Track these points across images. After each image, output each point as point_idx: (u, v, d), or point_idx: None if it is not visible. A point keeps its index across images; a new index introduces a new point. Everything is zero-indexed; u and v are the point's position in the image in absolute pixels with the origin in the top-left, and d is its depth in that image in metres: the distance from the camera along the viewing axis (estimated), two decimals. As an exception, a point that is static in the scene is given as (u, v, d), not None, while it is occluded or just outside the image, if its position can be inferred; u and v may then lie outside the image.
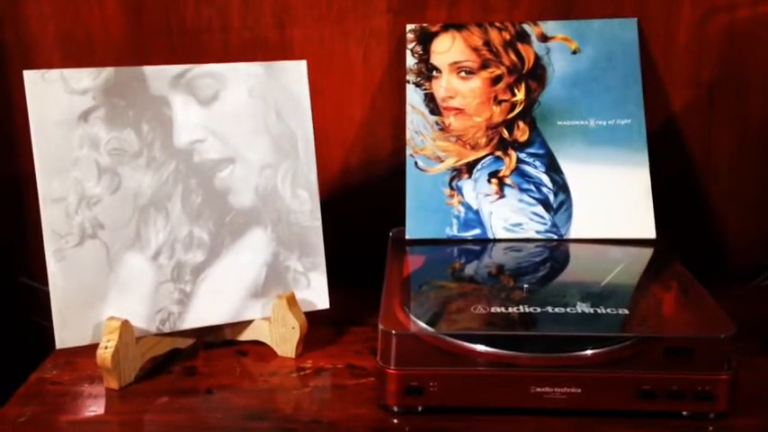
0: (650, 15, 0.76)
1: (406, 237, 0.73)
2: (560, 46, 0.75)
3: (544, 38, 0.75)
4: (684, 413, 0.55)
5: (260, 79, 0.66)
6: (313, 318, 0.66)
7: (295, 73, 0.67)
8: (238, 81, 0.65)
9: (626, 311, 0.58)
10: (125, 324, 0.60)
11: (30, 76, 0.59)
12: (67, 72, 0.60)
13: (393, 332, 0.55)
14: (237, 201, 0.65)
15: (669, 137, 0.78)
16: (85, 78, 0.61)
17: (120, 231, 0.61)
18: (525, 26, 0.76)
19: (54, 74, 0.60)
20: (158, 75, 0.63)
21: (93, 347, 0.60)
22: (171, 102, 0.63)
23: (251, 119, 0.65)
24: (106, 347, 0.59)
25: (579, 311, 0.57)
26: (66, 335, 0.60)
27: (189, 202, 0.63)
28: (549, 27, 0.75)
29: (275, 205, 0.66)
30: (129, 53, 0.78)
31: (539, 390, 0.54)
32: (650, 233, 0.71)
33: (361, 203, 0.80)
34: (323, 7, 0.77)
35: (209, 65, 0.64)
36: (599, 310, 0.57)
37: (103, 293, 0.61)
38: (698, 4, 0.76)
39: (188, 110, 0.63)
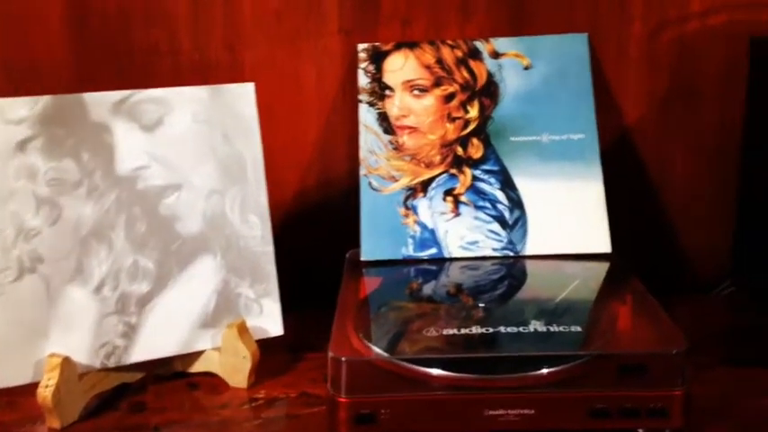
0: (601, 30, 0.76)
1: (362, 258, 0.72)
2: (512, 62, 0.75)
3: (496, 54, 0.75)
4: (640, 431, 0.54)
5: (205, 103, 0.64)
6: (268, 345, 0.65)
7: (242, 96, 0.66)
8: (183, 105, 0.64)
9: (578, 329, 0.57)
10: (66, 361, 0.58)
11: (-37, 107, 0.58)
12: (2, 101, 0.58)
13: (343, 359, 0.54)
14: (184, 228, 0.63)
15: (622, 150, 0.78)
16: (22, 108, 0.59)
17: (60, 264, 0.59)
18: (477, 43, 0.75)
19: (-12, 104, 0.58)
20: (99, 101, 0.61)
21: (35, 386, 0.58)
22: (112, 128, 0.62)
23: (196, 144, 0.64)
24: (47, 386, 0.57)
25: (532, 330, 0.57)
26: (5, 374, 0.58)
27: (133, 231, 0.62)
28: (500, 44, 0.75)
29: (224, 231, 0.65)
30: (76, 78, 0.76)
31: (492, 412, 0.53)
32: (605, 247, 0.71)
33: (317, 225, 0.79)
34: (273, 28, 0.76)
35: (152, 90, 0.63)
36: (551, 329, 0.57)
37: (44, 329, 0.59)
38: (648, 19, 0.76)
39: (130, 136, 0.62)
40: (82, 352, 0.60)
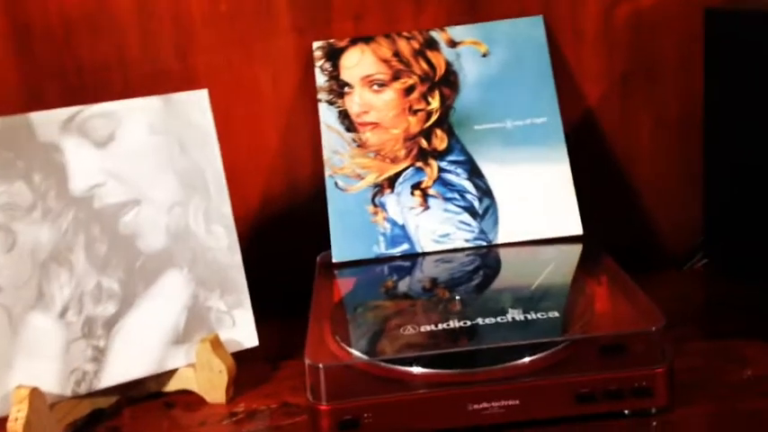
0: (555, 11, 0.76)
1: (333, 260, 0.70)
2: (470, 50, 0.74)
3: (453, 43, 0.74)
4: (626, 412, 0.54)
5: (158, 114, 0.63)
6: (244, 357, 0.63)
7: (197, 103, 0.64)
8: (135, 118, 0.62)
9: (556, 314, 0.56)
10: (34, 391, 0.55)
11: None
12: (-56, 128, 0.56)
13: (320, 365, 0.53)
14: (147, 244, 0.61)
15: (587, 131, 0.78)
16: (-34, 132, 0.57)
17: (20, 292, 0.57)
18: (433, 33, 0.74)
19: (-71, 131, 0.56)
20: (46, 120, 0.59)
21: (4, 420, 0.56)
22: (62, 147, 0.59)
23: (153, 156, 0.62)
24: (16, 419, 0.54)
25: (510, 319, 0.56)
26: (-30, 410, 0.56)
27: (93, 252, 0.59)
28: (456, 32, 0.74)
29: (189, 244, 0.63)
30: (24, 98, 0.74)
31: (476, 407, 0.52)
32: (577, 229, 0.70)
33: (286, 230, 0.77)
34: (225, 32, 0.74)
35: (101, 104, 0.61)
36: (530, 316, 0.56)
37: (8, 361, 0.57)
38: (602, -4, 0.76)
39: (82, 154, 0.60)
40: (51, 381, 0.57)
